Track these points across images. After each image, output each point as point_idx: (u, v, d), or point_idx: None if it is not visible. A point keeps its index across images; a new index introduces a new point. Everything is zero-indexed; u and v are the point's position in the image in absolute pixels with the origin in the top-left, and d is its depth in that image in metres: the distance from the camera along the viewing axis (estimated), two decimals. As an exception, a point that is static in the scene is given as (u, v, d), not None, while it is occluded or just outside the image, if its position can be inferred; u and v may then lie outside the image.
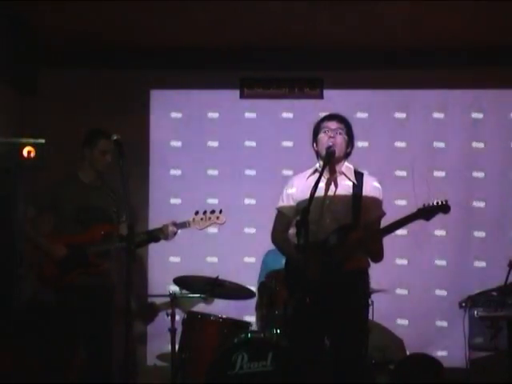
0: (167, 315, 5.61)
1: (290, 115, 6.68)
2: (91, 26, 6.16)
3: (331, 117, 4.56)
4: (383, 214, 4.53)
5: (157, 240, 5.30)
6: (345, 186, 4.48)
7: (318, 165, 4.52)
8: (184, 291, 5.78)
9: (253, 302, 5.78)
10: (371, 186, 4.52)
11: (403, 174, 6.55)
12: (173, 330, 5.58)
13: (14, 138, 5.63)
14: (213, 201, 6.27)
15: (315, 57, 6.53)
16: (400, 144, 6.64)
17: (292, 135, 6.57)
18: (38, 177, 5.77)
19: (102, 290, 5.22)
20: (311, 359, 4.32)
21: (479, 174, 6.55)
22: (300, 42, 6.38)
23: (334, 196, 4.45)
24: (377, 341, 5.62)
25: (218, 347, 5.19)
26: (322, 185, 4.33)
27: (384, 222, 4.48)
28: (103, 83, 6.61)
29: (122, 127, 5.46)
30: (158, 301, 6.31)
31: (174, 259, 6.51)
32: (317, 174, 4.36)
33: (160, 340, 6.16)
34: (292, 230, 4.46)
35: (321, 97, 6.66)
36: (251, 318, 5.88)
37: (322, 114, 4.69)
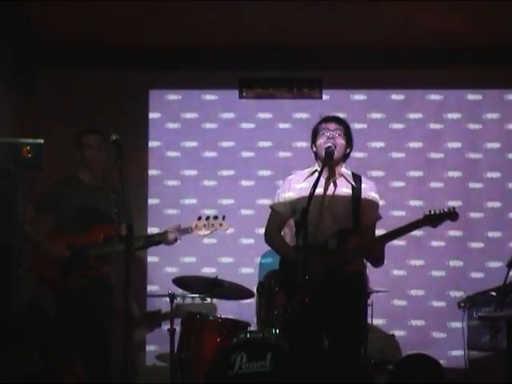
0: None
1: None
2: (91, 26, 6.16)
3: (330, 118, 4.56)
4: (380, 217, 4.54)
5: (157, 244, 5.28)
6: (344, 188, 4.48)
7: (316, 165, 4.52)
8: (183, 291, 5.78)
9: (252, 302, 5.77)
10: (370, 189, 4.52)
11: (403, 173, 6.57)
12: (172, 330, 5.60)
13: (14, 138, 5.62)
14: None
15: (314, 57, 6.53)
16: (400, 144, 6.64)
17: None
18: (38, 177, 5.77)
19: (102, 292, 5.22)
20: (310, 359, 4.31)
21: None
22: (299, 42, 6.38)
23: (333, 196, 4.45)
24: (376, 341, 5.63)
25: (217, 347, 5.20)
26: (320, 185, 4.32)
27: (386, 229, 4.46)
28: (103, 83, 6.61)
29: (122, 127, 5.46)
30: (159, 306, 6.32)
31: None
32: (315, 175, 4.35)
33: (159, 340, 6.17)
34: (286, 230, 4.46)
35: (320, 97, 6.64)
36: (250, 318, 5.87)
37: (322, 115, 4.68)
